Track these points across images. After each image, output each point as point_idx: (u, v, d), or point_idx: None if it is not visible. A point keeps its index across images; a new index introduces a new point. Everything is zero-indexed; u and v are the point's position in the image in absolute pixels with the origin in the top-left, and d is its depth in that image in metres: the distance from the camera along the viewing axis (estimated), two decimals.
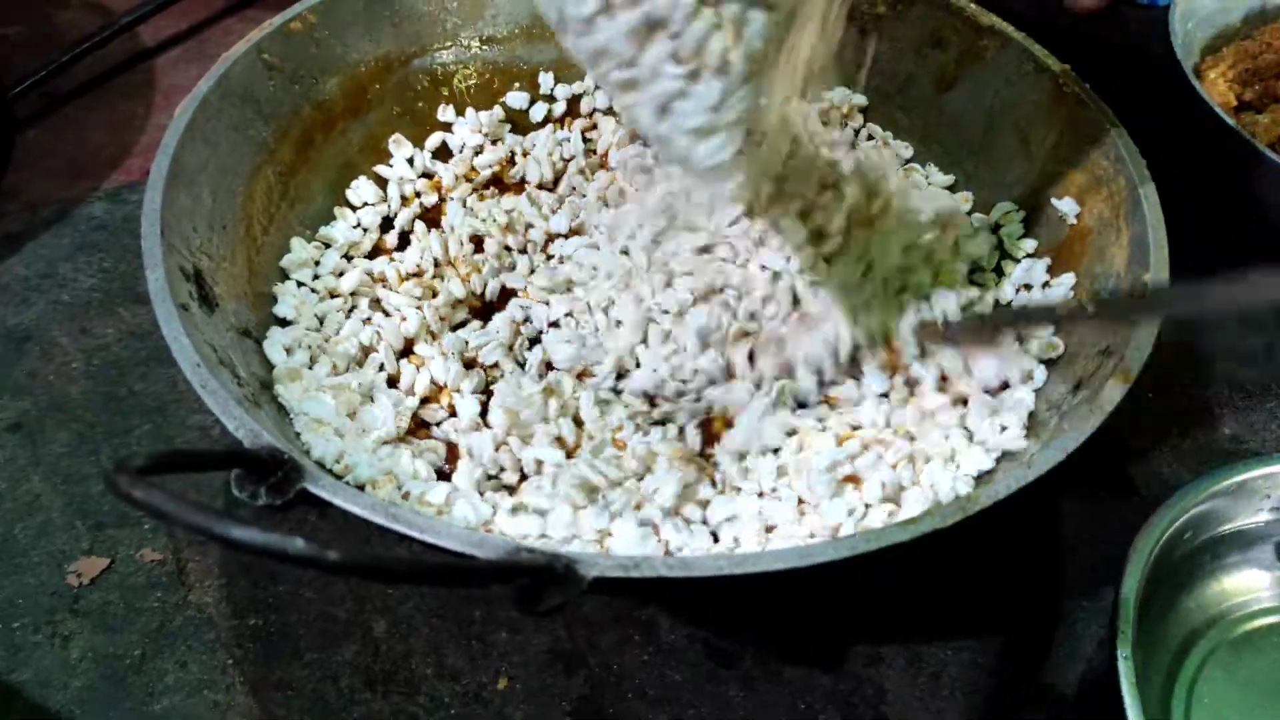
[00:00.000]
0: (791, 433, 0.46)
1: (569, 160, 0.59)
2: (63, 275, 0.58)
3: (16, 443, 0.50)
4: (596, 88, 0.61)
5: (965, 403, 0.46)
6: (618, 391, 0.47)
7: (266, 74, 0.51)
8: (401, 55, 0.59)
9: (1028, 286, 0.52)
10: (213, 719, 0.42)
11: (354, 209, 0.56)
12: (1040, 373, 0.47)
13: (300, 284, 0.51)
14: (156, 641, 0.44)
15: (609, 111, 0.61)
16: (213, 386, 0.36)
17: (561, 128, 0.61)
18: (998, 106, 0.57)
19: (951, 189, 0.58)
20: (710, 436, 0.47)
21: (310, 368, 0.46)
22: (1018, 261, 0.53)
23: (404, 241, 0.55)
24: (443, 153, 0.60)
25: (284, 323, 0.49)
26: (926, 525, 0.35)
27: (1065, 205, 0.52)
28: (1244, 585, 0.46)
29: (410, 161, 0.58)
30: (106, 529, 0.47)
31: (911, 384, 0.48)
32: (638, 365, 0.48)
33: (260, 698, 0.42)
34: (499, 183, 0.59)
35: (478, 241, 0.54)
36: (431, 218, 0.56)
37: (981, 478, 0.43)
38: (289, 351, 0.47)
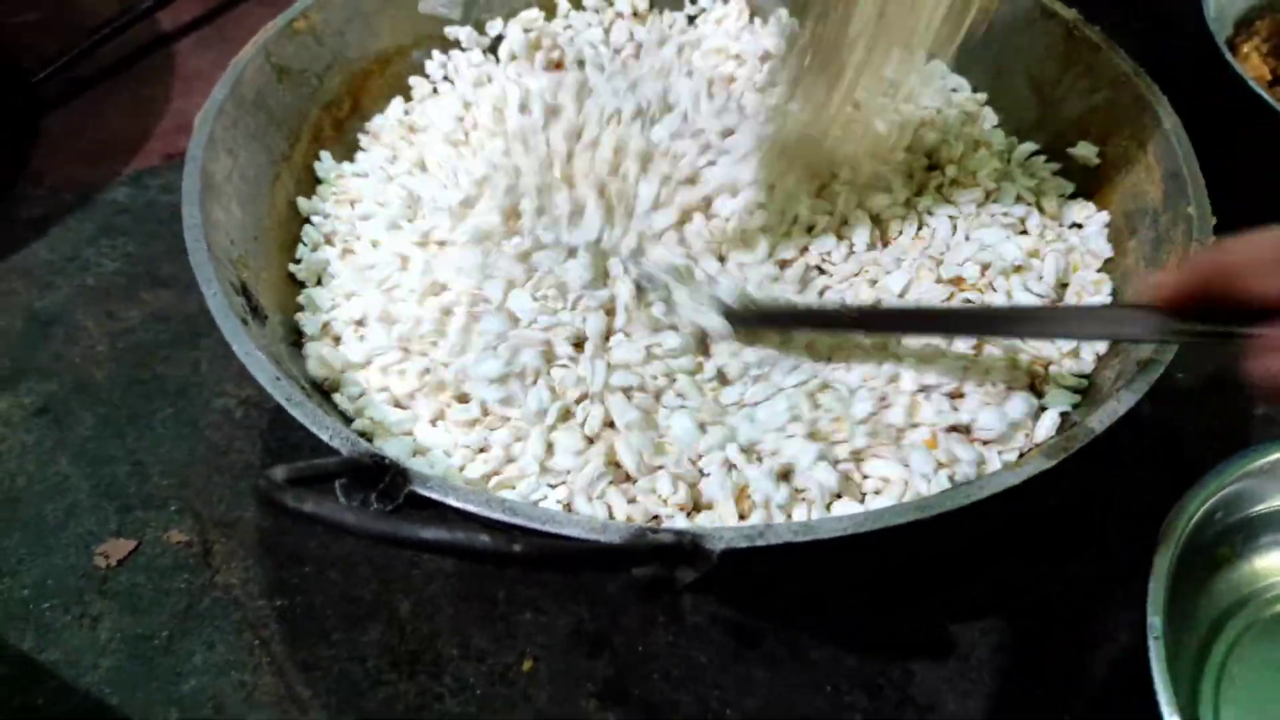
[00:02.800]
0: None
1: None
2: (86, 259, 0.59)
3: (44, 425, 0.51)
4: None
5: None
6: None
7: (276, 77, 0.50)
8: (398, 49, 0.58)
9: (1077, 225, 0.51)
10: (240, 699, 0.42)
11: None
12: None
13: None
14: (184, 622, 0.44)
15: None
16: (298, 399, 0.36)
17: None
18: (1006, 54, 0.56)
19: None
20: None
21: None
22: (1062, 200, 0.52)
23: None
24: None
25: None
26: (1032, 468, 0.35)
27: (1083, 149, 0.52)
28: (1275, 566, 0.45)
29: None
30: (133, 511, 0.47)
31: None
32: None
33: (287, 678, 0.43)
34: None
35: None
36: None
37: (1066, 416, 0.42)
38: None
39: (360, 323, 0.45)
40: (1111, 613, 0.45)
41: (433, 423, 0.42)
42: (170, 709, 0.42)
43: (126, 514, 0.47)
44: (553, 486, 0.40)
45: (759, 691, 0.43)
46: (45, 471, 0.49)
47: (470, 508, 0.32)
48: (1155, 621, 0.38)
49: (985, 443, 0.42)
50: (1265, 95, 0.55)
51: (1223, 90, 0.57)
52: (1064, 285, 0.48)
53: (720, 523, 0.39)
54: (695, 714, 0.43)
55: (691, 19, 0.63)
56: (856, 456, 0.41)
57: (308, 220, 0.51)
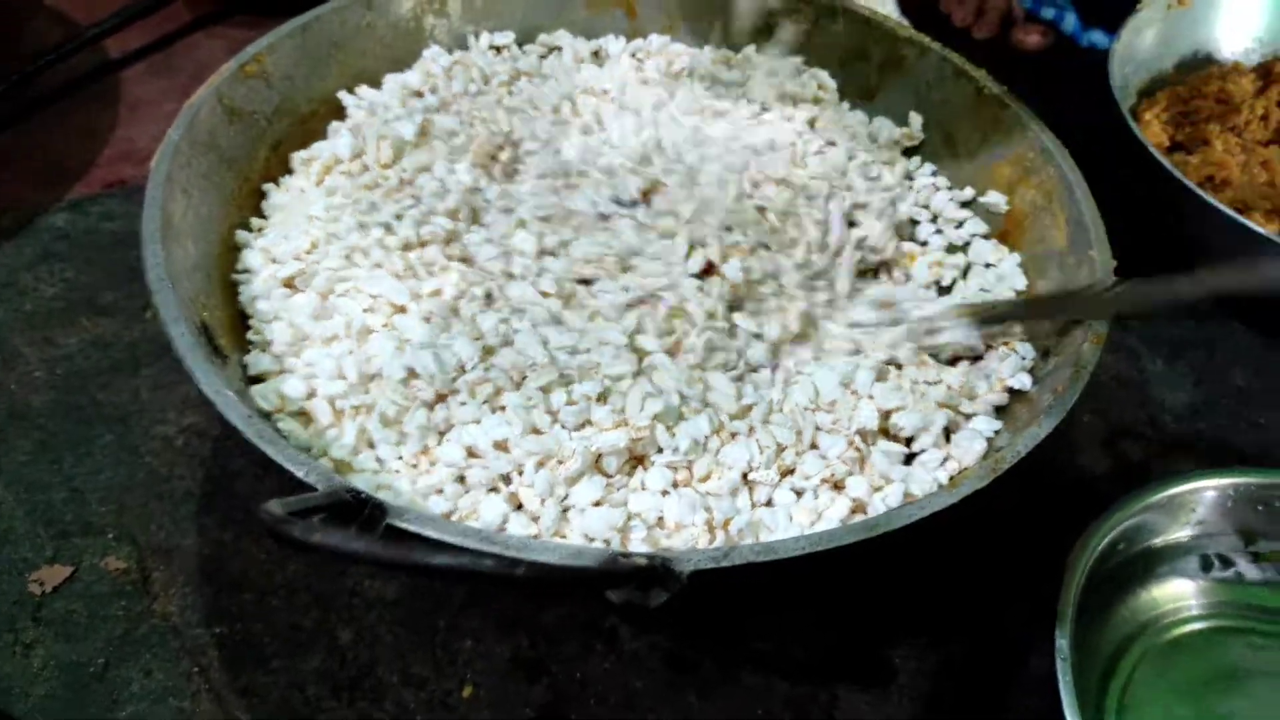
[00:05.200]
0: None
1: None
2: (24, 284, 0.58)
3: None
4: None
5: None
6: None
7: (227, 119, 0.51)
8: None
9: (987, 265, 0.55)
10: None
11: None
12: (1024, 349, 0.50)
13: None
14: (120, 650, 0.44)
15: None
16: (270, 436, 0.37)
17: None
18: (922, 109, 0.61)
19: None
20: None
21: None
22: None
23: None
24: None
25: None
26: (968, 488, 0.38)
27: (992, 198, 0.57)
28: (1172, 594, 0.48)
29: None
30: (70, 538, 0.47)
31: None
32: None
33: (226, 705, 0.43)
34: None
35: None
36: None
37: (991, 440, 0.46)
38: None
39: (300, 358, 0.46)
40: (1022, 638, 0.48)
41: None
42: None
43: (63, 541, 0.47)
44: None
45: (694, 716, 0.45)
46: None
47: (448, 538, 0.34)
48: (1062, 644, 0.41)
49: (910, 457, 0.46)
50: (1163, 160, 0.59)
51: (1125, 154, 0.61)
52: None
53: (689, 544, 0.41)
54: None
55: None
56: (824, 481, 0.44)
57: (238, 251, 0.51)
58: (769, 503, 0.44)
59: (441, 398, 0.44)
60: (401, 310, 0.47)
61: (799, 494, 0.44)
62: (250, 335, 0.47)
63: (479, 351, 0.45)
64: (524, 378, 0.45)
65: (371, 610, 0.46)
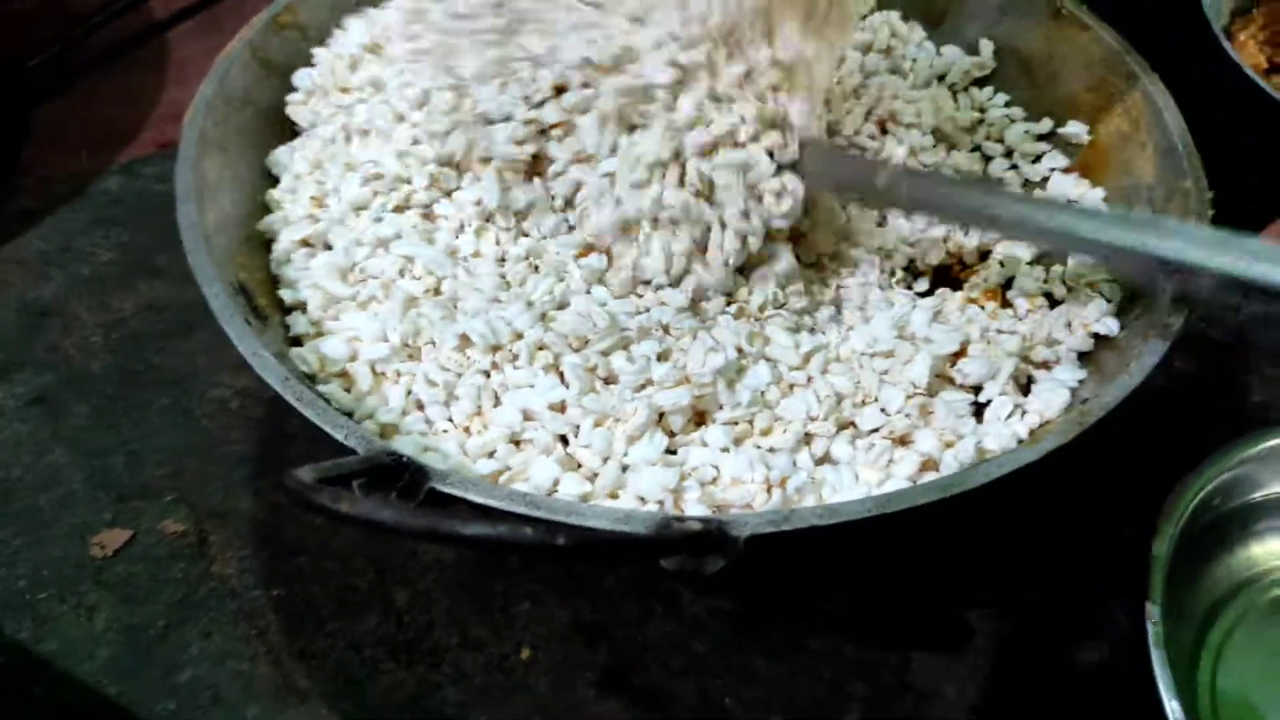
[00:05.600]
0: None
1: None
2: (80, 249, 0.58)
3: (38, 416, 0.50)
4: None
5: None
6: None
7: (262, 73, 0.50)
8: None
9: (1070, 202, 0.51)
10: (238, 688, 0.42)
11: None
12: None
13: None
14: (180, 612, 0.44)
15: None
16: (308, 398, 0.36)
17: None
18: (994, 34, 0.57)
19: None
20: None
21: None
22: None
23: None
24: None
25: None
26: (1050, 443, 0.35)
27: (1073, 128, 0.53)
28: (1273, 552, 0.45)
29: None
30: (129, 501, 0.47)
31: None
32: None
33: (284, 668, 0.43)
34: None
35: None
36: None
37: (1074, 391, 0.43)
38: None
39: (339, 320, 0.44)
40: (1110, 598, 0.45)
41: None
42: (169, 699, 0.41)
43: (122, 504, 0.47)
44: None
45: (759, 681, 0.43)
46: (40, 462, 0.49)
47: (492, 503, 0.32)
48: (1153, 608, 0.38)
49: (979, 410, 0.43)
50: (1262, 83, 0.55)
51: (1219, 78, 0.57)
52: None
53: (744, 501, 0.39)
54: (695, 703, 0.43)
55: None
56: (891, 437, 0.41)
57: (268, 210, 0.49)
58: (828, 457, 0.41)
59: (496, 365, 0.43)
60: (442, 278, 0.45)
61: (856, 449, 0.42)
62: (283, 295, 0.45)
63: (536, 318, 0.43)
64: (585, 342, 0.43)
65: (428, 573, 0.46)
